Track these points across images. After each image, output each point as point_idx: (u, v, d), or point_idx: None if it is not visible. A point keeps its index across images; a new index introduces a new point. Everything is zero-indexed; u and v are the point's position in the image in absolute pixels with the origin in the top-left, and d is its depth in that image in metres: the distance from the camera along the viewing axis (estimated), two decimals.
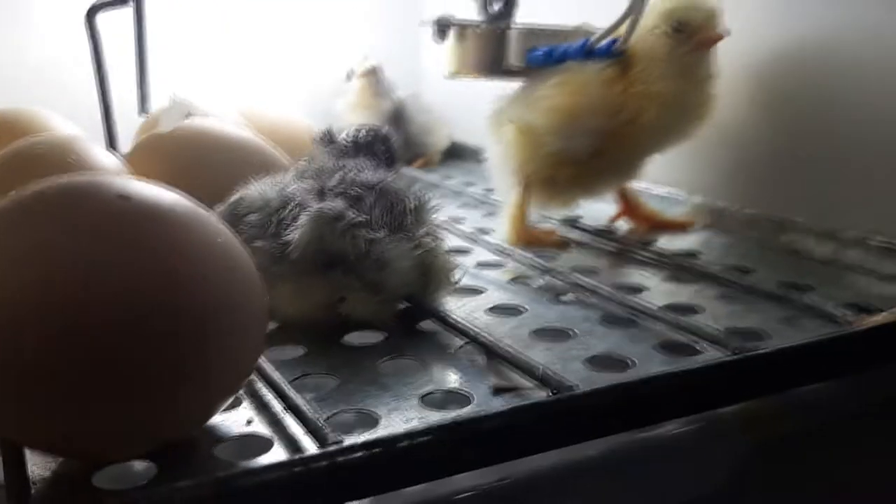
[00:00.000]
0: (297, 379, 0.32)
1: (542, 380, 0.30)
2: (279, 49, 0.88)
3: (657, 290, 0.43)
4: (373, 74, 0.81)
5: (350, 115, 0.81)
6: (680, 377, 0.28)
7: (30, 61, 0.76)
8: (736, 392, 0.30)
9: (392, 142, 0.46)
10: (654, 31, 0.49)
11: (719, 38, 0.48)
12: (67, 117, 0.53)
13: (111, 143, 0.51)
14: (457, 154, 0.88)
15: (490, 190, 0.67)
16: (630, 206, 0.57)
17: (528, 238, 0.52)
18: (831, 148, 0.49)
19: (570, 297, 0.42)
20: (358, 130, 0.44)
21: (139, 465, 0.26)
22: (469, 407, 0.30)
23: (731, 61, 0.51)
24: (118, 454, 0.25)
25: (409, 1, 0.91)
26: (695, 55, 0.49)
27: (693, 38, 0.48)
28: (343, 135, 0.45)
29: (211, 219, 0.27)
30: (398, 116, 0.83)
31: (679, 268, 0.47)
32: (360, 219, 0.37)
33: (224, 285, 0.26)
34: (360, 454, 0.24)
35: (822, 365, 0.31)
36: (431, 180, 0.76)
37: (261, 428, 0.28)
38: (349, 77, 0.82)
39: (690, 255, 0.50)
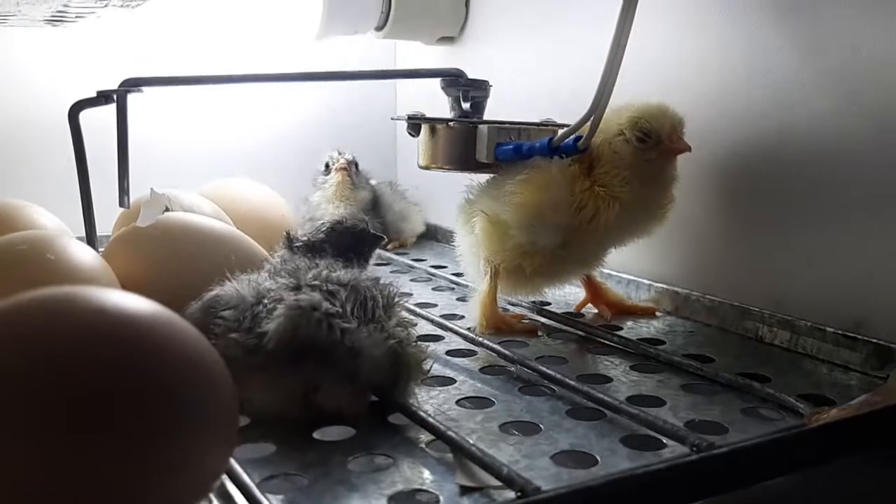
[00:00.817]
0: (266, 479, 0.33)
1: (508, 481, 0.30)
2: (257, 136, 0.91)
3: (622, 381, 0.44)
4: (348, 168, 0.84)
5: (327, 205, 0.83)
6: (642, 477, 0.29)
7: (13, 150, 0.77)
8: (698, 490, 0.31)
9: (362, 229, 0.48)
10: (618, 137, 0.51)
11: (684, 149, 0.51)
12: (49, 207, 0.55)
13: (90, 239, 0.52)
14: (430, 235, 0.91)
15: (460, 274, 0.68)
16: (596, 292, 0.59)
17: (499, 324, 0.54)
18: (786, 238, 0.51)
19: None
20: (330, 227, 0.46)
21: None
22: None
23: (690, 160, 0.53)
24: None
25: (384, 91, 0.95)
26: (658, 162, 0.51)
27: (658, 147, 0.51)
28: (314, 230, 0.47)
29: (185, 327, 0.28)
30: (375, 205, 0.85)
31: (643, 356, 0.48)
32: (335, 309, 0.38)
33: (198, 389, 0.26)
34: None
35: (779, 461, 0.32)
36: (405, 262, 0.78)
37: None
38: (326, 169, 0.85)
39: (655, 342, 0.51)
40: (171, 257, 0.48)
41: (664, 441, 0.36)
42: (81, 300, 0.26)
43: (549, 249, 0.51)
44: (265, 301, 0.39)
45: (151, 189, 0.51)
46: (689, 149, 0.51)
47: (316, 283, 0.40)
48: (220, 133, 0.89)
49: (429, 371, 0.43)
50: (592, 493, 0.29)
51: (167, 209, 0.51)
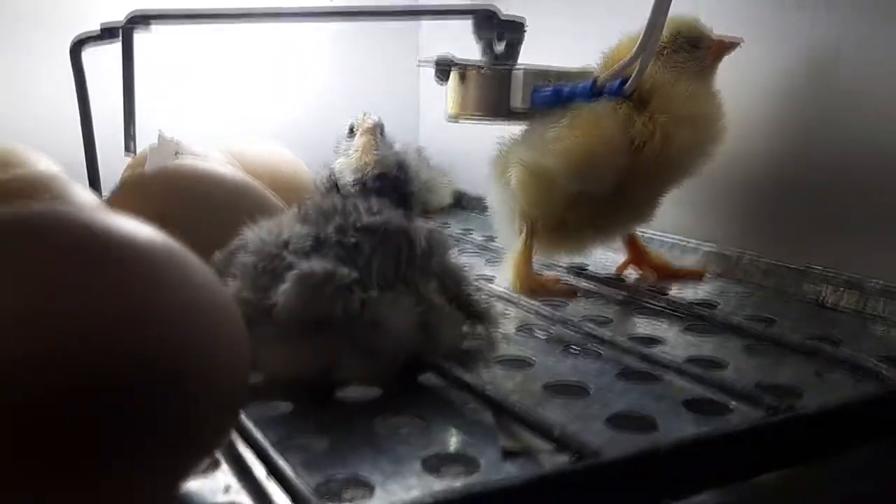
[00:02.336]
0: (283, 439, 0.29)
1: (560, 442, 0.26)
2: (273, 97, 0.87)
3: (676, 343, 0.40)
4: (375, 131, 0.79)
5: (351, 173, 0.78)
6: (716, 442, 0.25)
7: (12, 96, 0.73)
8: (781, 457, 0.26)
9: (406, 185, 0.44)
10: (661, 57, 0.48)
11: (736, 43, 0.48)
12: (49, 156, 0.51)
13: (93, 182, 0.48)
14: (454, 202, 0.86)
15: (490, 238, 0.64)
16: (638, 254, 0.54)
17: (534, 285, 0.49)
18: (853, 186, 0.47)
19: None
20: (369, 176, 0.42)
21: None
22: (477, 474, 0.26)
23: (734, 87, 0.49)
24: None
25: (407, 45, 0.90)
26: (705, 72, 0.48)
27: (708, 50, 0.48)
28: (353, 180, 0.42)
29: (188, 257, 0.24)
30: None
31: (697, 318, 0.44)
32: (352, 277, 0.33)
33: (201, 332, 0.22)
34: None
35: (869, 424, 0.28)
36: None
37: (241, 497, 0.25)
38: (351, 133, 0.80)
39: (707, 305, 0.47)
40: (180, 206, 0.44)
41: (731, 405, 0.32)
42: (68, 217, 0.22)
43: (599, 199, 0.47)
44: (284, 254, 0.34)
45: (159, 133, 0.48)
46: (742, 39, 0.48)
47: (336, 237, 0.35)
48: (232, 85, 0.84)
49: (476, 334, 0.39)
50: (661, 457, 0.25)
51: (176, 155, 0.47)
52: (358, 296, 0.32)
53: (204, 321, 0.23)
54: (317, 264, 0.32)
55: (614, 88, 0.47)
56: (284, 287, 0.32)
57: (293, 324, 0.32)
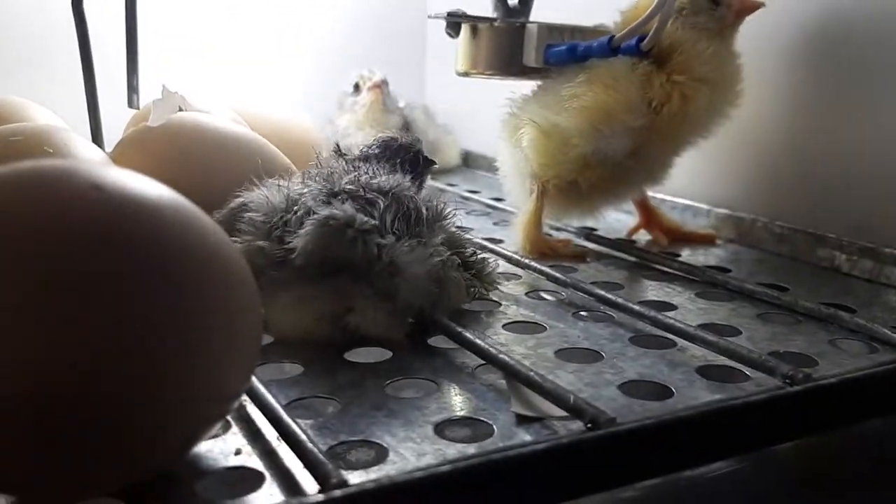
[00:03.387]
0: (293, 402, 0.29)
1: (576, 410, 0.26)
2: (276, 55, 0.84)
3: (688, 308, 0.40)
4: (381, 88, 0.77)
5: (356, 131, 0.77)
6: (734, 410, 0.25)
7: (14, 49, 0.72)
8: (797, 427, 0.26)
9: (417, 150, 0.43)
10: (681, 16, 0.46)
11: (760, 4, 0.47)
12: (52, 110, 0.50)
13: (95, 136, 0.47)
14: (461, 162, 0.85)
15: (498, 199, 0.63)
16: (650, 216, 0.53)
17: (543, 248, 0.49)
18: (869, 152, 0.46)
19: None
20: (384, 141, 0.41)
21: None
22: (492, 439, 0.26)
23: (751, 47, 0.48)
24: (84, 493, 0.21)
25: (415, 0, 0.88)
26: (725, 33, 0.47)
27: (729, 9, 0.46)
28: (364, 146, 0.42)
29: (200, 216, 0.23)
30: (406, 131, 0.79)
31: (710, 284, 0.43)
32: (371, 223, 0.33)
33: (213, 292, 0.22)
34: (367, 497, 0.21)
35: (889, 396, 0.28)
36: (434, 186, 0.72)
37: (251, 460, 0.25)
38: (356, 89, 0.78)
39: (720, 270, 0.46)
40: (185, 160, 0.43)
41: (747, 373, 0.31)
42: (78, 173, 0.21)
43: (614, 159, 0.46)
44: (296, 209, 0.35)
45: (163, 86, 0.46)
46: (763, 3, 0.47)
47: (352, 188, 0.35)
48: (235, 42, 0.82)
49: (476, 294, 0.38)
50: (679, 426, 0.25)
51: (181, 109, 0.46)
52: (376, 241, 0.33)
53: (218, 283, 0.22)
54: (337, 211, 0.33)
55: (631, 46, 0.46)
56: (306, 229, 0.33)
57: (310, 269, 0.33)
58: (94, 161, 0.21)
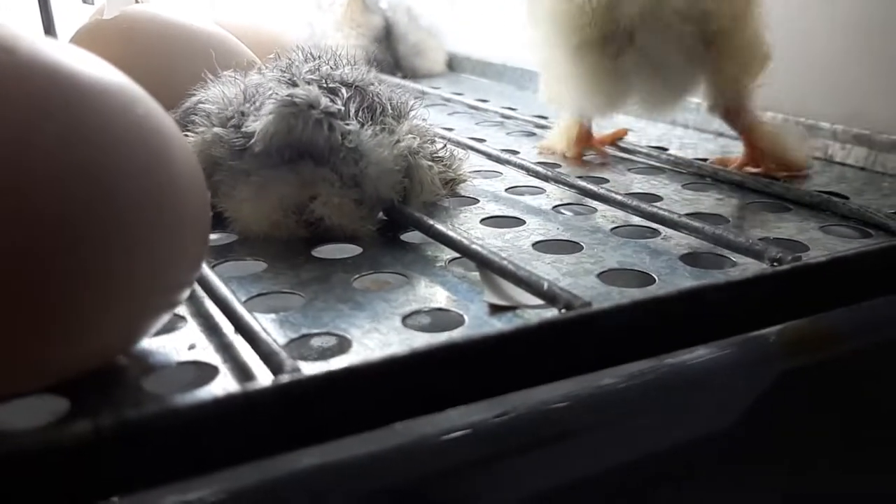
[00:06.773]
0: (254, 297, 0.27)
1: (549, 296, 0.24)
2: None
3: (674, 199, 0.38)
4: None
5: (335, 33, 0.73)
6: (719, 291, 0.23)
7: None
8: (783, 309, 0.25)
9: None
10: None
11: None
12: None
13: (48, 32, 0.44)
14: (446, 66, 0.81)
15: (482, 100, 0.61)
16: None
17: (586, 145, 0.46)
18: (862, 35, 0.43)
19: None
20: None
21: (48, 400, 0.20)
22: (461, 328, 0.25)
23: None
24: (18, 386, 0.20)
25: None
26: None
27: None
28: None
29: (131, 87, 0.21)
30: (388, 34, 0.76)
31: (697, 176, 0.41)
32: (336, 107, 0.31)
33: (149, 171, 0.20)
34: (321, 385, 0.19)
35: (882, 277, 0.26)
36: (415, 87, 0.69)
37: (206, 354, 0.23)
38: None
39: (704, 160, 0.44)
40: (140, 55, 0.40)
41: (733, 259, 0.30)
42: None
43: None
44: (254, 98, 0.33)
45: None
46: None
47: (314, 77, 0.33)
48: None
49: (451, 187, 0.37)
50: (657, 308, 0.23)
51: (138, 1, 0.43)
52: (340, 127, 0.31)
53: (156, 158, 0.20)
54: (300, 92, 0.31)
55: None
56: (266, 111, 0.31)
57: (270, 155, 0.31)
58: (8, 26, 0.19)
